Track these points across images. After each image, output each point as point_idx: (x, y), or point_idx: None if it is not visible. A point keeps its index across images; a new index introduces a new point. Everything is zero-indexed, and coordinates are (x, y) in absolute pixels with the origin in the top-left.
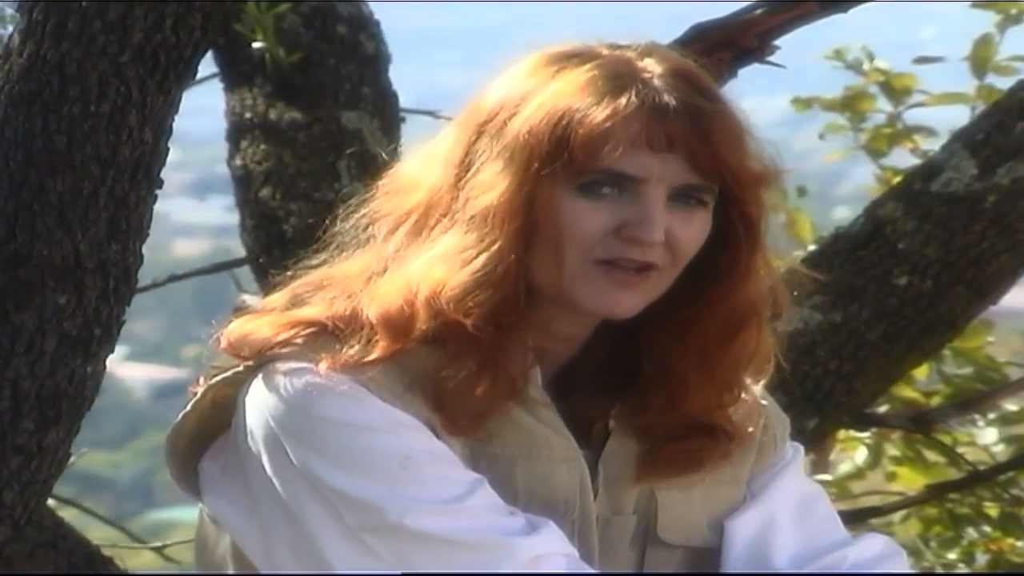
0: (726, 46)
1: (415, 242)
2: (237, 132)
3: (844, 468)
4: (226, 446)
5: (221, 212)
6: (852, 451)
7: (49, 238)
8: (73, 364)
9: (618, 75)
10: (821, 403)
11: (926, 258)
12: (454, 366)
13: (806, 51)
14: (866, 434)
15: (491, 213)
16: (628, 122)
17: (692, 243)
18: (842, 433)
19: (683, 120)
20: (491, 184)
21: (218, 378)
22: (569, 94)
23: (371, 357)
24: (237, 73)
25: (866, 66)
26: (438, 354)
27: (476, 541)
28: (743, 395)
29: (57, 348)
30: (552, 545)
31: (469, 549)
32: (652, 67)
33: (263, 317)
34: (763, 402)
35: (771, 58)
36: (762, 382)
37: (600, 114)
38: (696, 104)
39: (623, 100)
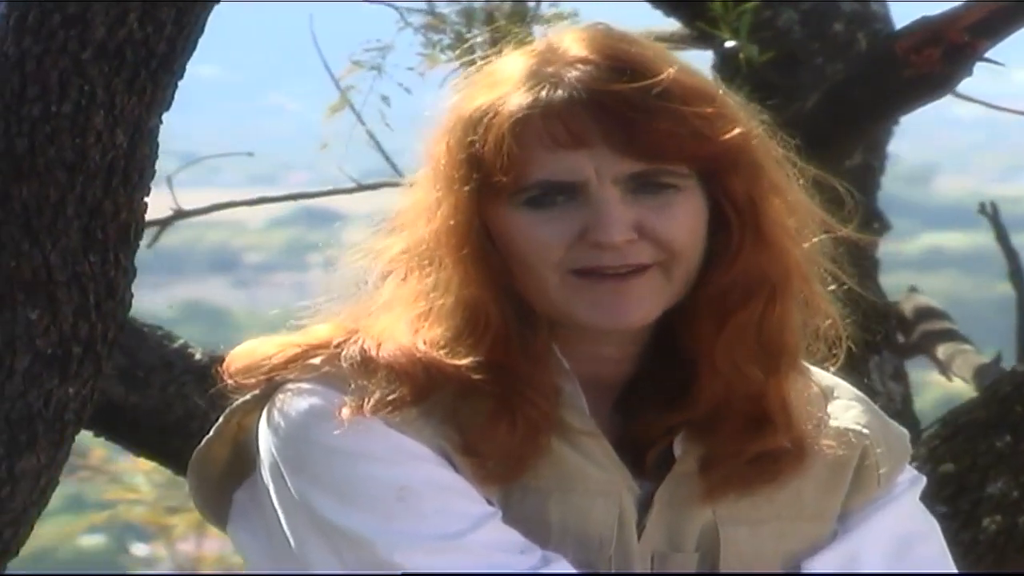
0: (934, 42)
1: (400, 289)
2: None
3: None
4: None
5: None
6: None
7: (16, 249)
8: (49, 384)
9: (529, 75)
10: None
11: None
12: (468, 411)
13: None
14: None
15: (440, 243)
16: (526, 125)
17: (678, 231)
18: None
19: (589, 109)
20: (431, 214)
21: (234, 405)
22: (478, 105)
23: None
24: (721, 74)
25: None
26: (454, 396)
27: None
28: (823, 416)
29: (29, 367)
30: None
31: None
32: (562, 54)
33: (266, 341)
34: (864, 431)
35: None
36: (864, 412)
37: (498, 122)
38: (607, 90)
39: (516, 103)
